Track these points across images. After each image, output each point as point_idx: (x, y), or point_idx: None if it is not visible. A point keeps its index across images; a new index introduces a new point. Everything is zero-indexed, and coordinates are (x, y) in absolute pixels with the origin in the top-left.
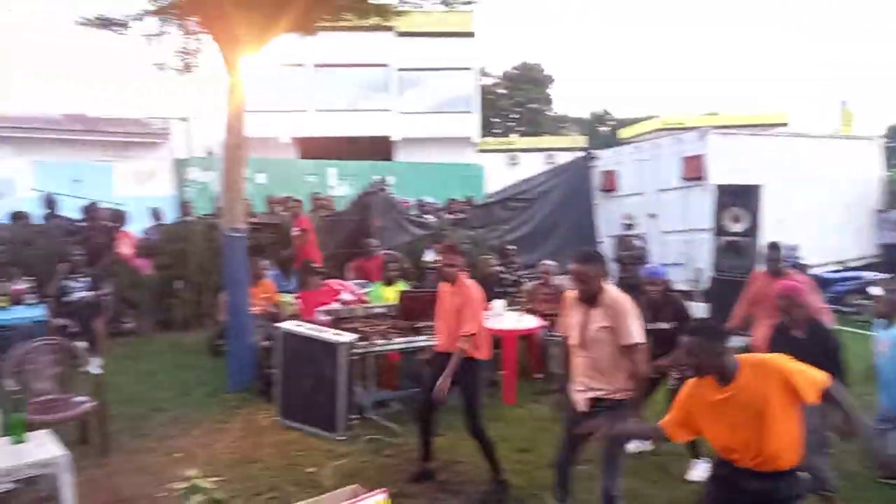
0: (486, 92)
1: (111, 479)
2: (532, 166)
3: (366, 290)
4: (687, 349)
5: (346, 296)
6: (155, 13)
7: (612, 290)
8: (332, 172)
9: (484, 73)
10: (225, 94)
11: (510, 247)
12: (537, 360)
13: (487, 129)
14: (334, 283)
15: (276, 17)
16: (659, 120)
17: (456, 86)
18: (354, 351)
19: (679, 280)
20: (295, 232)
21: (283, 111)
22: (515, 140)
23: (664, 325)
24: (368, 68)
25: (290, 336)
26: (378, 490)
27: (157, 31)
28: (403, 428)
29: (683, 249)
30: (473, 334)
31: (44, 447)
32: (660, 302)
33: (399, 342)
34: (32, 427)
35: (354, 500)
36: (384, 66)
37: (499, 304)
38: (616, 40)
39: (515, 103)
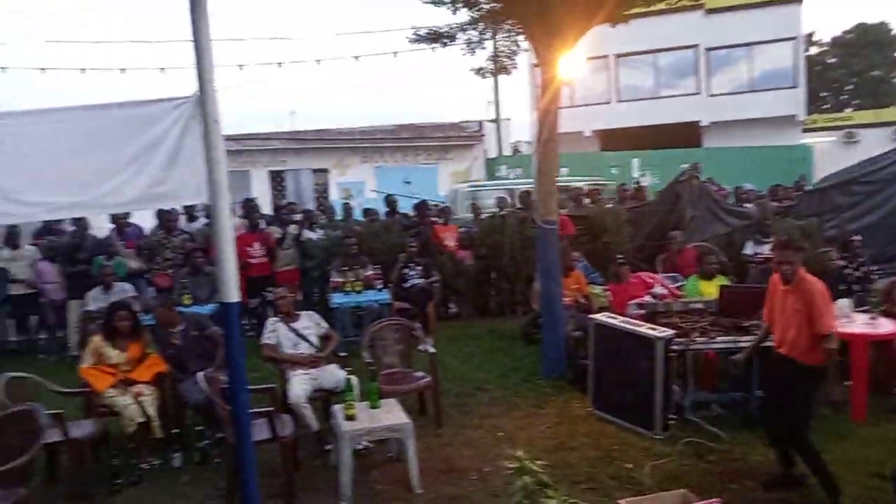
0: (812, 63)
1: (444, 450)
2: (875, 144)
3: (678, 283)
4: None
5: (658, 289)
6: (478, 21)
7: None
8: (635, 163)
9: (810, 42)
10: (537, 92)
11: (855, 238)
12: (894, 371)
13: (815, 104)
14: (645, 275)
15: (594, 9)
16: None
17: (775, 60)
18: (672, 348)
19: None
20: None
21: (586, 105)
22: (852, 115)
23: None
24: (673, 52)
25: (604, 328)
26: (712, 500)
27: (478, 39)
28: (728, 434)
29: None
30: (830, 333)
31: (393, 413)
32: None
33: (723, 341)
34: (383, 396)
35: None
36: (692, 47)
37: (844, 304)
38: None
39: (850, 73)
